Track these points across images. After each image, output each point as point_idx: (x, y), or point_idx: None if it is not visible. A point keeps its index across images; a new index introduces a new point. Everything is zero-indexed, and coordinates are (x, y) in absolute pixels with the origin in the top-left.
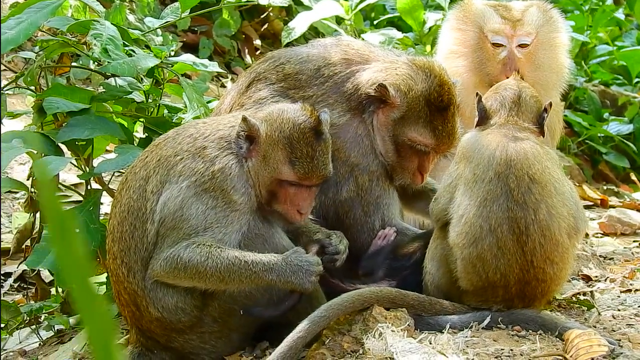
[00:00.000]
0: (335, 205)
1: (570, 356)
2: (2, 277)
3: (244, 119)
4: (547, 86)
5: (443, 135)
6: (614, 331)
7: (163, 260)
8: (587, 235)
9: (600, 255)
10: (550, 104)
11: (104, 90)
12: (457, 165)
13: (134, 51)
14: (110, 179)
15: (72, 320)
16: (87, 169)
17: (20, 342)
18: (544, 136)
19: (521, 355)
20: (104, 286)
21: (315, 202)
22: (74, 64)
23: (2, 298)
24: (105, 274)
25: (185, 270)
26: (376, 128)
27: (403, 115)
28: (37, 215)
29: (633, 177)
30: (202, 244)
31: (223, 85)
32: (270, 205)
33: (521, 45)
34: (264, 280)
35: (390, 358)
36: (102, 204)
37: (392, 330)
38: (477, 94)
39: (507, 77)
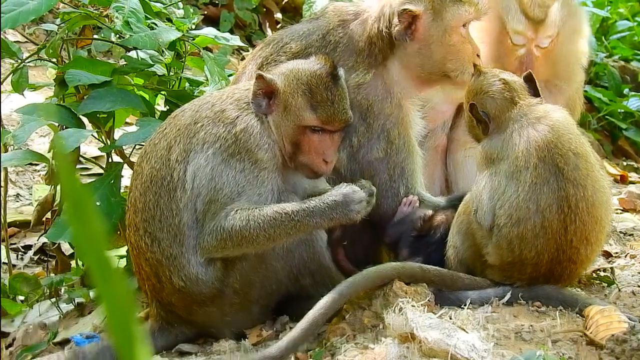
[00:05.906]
0: (361, 169)
1: (590, 332)
2: (22, 250)
3: (260, 76)
4: (566, 76)
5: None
6: (634, 308)
7: (208, 235)
8: None
9: (620, 231)
10: (530, 73)
11: (125, 63)
12: (485, 170)
13: (155, 24)
14: (132, 151)
15: (92, 293)
16: (109, 141)
17: (40, 315)
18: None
19: (541, 331)
20: (124, 259)
21: (341, 163)
22: (95, 36)
23: (22, 270)
24: (126, 247)
25: (231, 239)
26: (409, 56)
27: (433, 19)
28: (58, 187)
29: None
30: (240, 208)
31: (244, 59)
32: (295, 158)
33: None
34: (309, 226)
35: (410, 333)
36: (123, 176)
37: (413, 305)
38: (471, 105)
39: (523, 74)
